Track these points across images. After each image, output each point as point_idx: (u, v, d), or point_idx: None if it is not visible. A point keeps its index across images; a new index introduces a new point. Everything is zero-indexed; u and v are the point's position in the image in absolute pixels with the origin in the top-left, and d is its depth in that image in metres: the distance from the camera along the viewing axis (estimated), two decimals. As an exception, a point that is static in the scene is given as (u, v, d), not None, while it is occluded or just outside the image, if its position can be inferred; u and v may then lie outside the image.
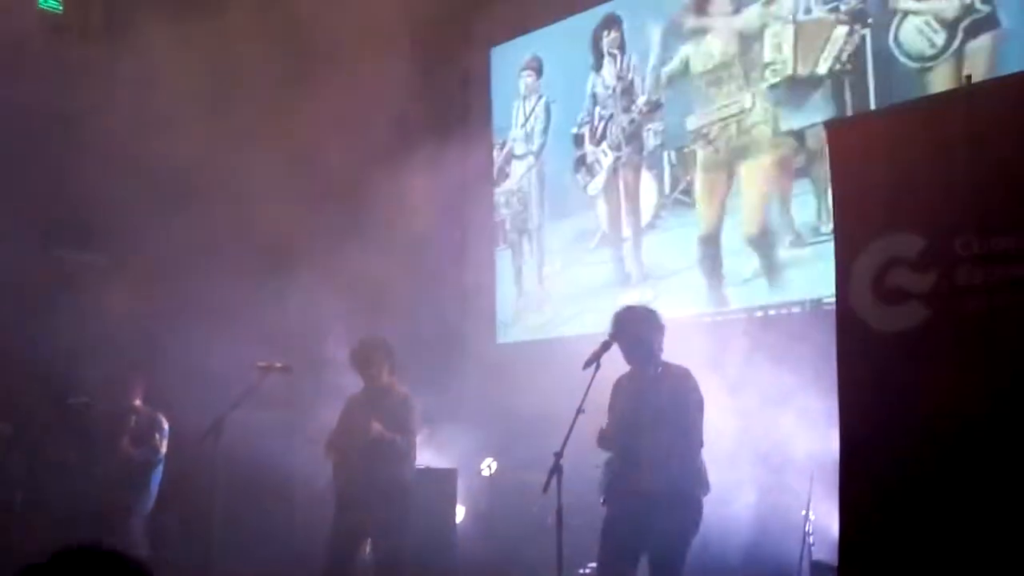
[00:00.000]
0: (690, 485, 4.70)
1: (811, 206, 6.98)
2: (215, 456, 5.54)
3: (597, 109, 8.80)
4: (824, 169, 6.24)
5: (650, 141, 8.30)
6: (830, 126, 4.15)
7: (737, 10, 7.61)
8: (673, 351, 5.04)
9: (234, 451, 5.67)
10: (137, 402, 7.10)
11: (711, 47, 7.79)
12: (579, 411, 4.51)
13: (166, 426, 7.02)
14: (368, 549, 5.93)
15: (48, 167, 7.00)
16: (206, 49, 7.29)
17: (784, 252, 7.18)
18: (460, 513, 8.01)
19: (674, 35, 8.08)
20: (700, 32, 7.88)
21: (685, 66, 8.00)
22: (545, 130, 9.35)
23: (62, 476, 7.22)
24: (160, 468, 7.02)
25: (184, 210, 7.32)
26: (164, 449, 6.97)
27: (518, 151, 9.61)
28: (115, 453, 6.85)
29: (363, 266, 7.96)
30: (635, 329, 4.85)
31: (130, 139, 6.92)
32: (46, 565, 1.11)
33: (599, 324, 5.28)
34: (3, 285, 7.09)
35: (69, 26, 7.74)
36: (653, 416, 4.69)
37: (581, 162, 8.92)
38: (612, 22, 8.73)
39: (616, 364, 4.99)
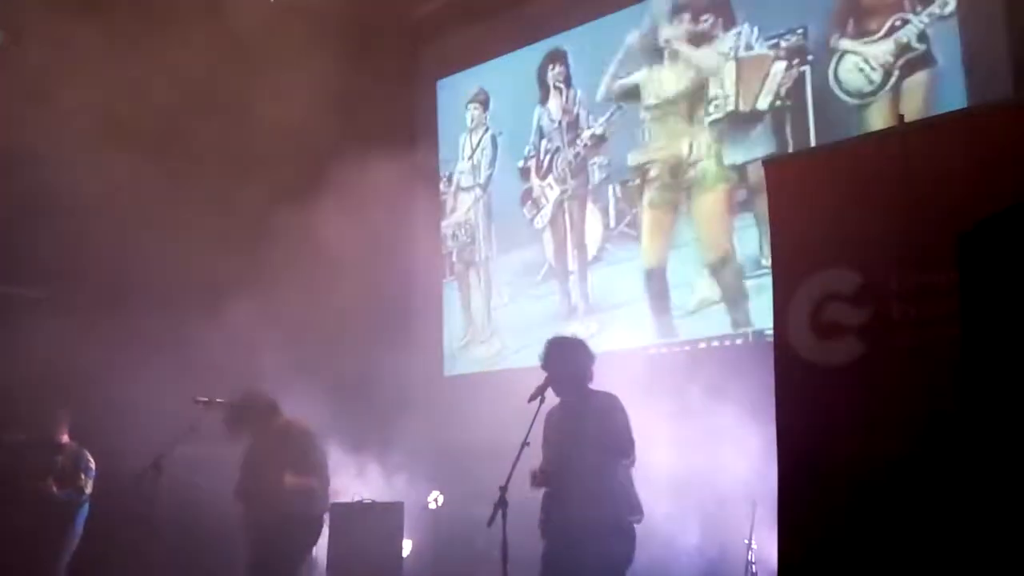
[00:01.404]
0: (621, 511, 4.67)
1: (753, 240, 7.07)
2: (155, 493, 5.38)
3: (543, 142, 8.85)
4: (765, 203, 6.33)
5: (595, 175, 8.36)
6: (768, 162, 4.21)
7: (697, 46, 7.69)
8: (618, 382, 5.04)
9: (174, 487, 5.51)
10: (64, 439, 6.91)
11: (665, 80, 7.86)
12: (524, 444, 4.49)
13: (92, 464, 6.85)
14: None
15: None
16: (137, 84, 7.21)
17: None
18: (407, 547, 7.89)
19: (631, 58, 8.14)
20: (658, 59, 7.94)
21: (636, 90, 8.07)
22: (492, 162, 9.37)
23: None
24: (86, 508, 6.84)
25: (116, 244, 7.18)
26: (89, 489, 6.81)
27: (465, 183, 9.61)
28: (39, 493, 6.66)
29: (306, 300, 7.88)
30: (562, 359, 4.85)
31: (61, 174, 6.78)
32: None
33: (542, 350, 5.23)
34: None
35: (9, 59, 7.59)
36: (580, 443, 4.68)
37: (527, 195, 8.95)
38: (558, 56, 8.81)
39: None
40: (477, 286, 9.36)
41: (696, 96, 7.62)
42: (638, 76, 8.08)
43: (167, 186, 7.49)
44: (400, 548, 7.70)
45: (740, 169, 7.25)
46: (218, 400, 5.71)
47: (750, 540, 5.77)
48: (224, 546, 6.67)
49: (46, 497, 6.66)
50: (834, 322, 3.62)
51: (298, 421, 5.80)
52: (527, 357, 8.01)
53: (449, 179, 9.77)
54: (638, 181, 7.98)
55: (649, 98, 7.98)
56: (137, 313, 7.53)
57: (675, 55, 7.80)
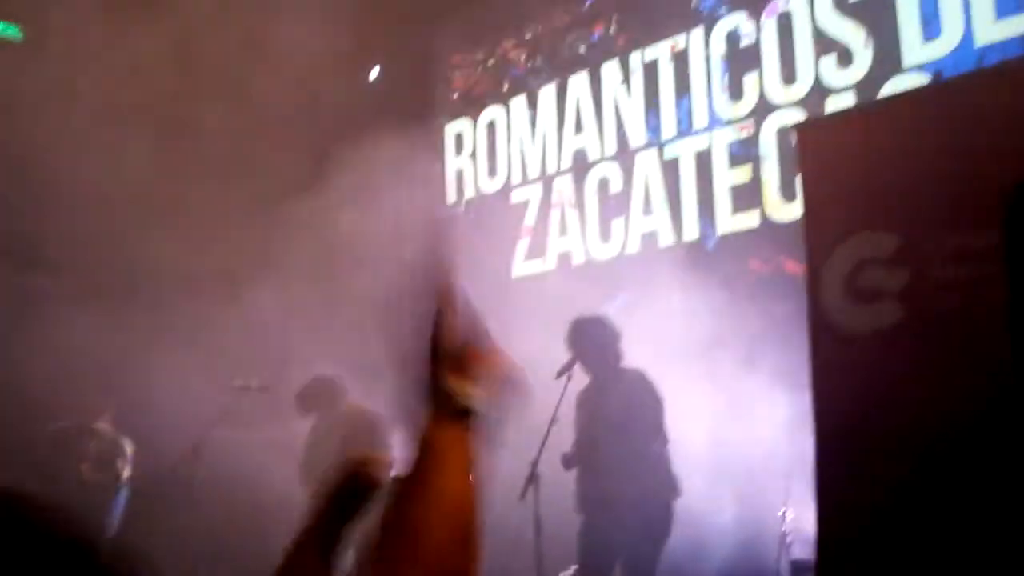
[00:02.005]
0: (657, 489, 4.60)
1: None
2: (195, 477, 5.39)
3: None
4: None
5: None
6: (801, 127, 4.08)
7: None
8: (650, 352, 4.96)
9: (214, 471, 5.51)
10: (100, 426, 6.94)
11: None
12: (553, 420, 4.43)
13: (129, 450, 6.87)
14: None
15: (10, 195, 6.85)
16: (148, 70, 7.17)
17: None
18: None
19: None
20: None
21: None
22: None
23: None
24: (124, 492, 6.86)
25: (137, 234, 7.16)
26: (127, 474, 6.82)
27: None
28: (77, 479, 6.70)
29: (328, 283, 7.84)
30: (589, 338, 4.78)
31: (81, 166, 6.76)
32: None
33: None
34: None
35: (23, 54, 7.58)
36: (612, 422, 4.61)
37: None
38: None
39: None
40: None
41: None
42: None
43: (182, 172, 7.46)
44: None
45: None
46: (254, 384, 5.72)
47: (784, 512, 5.67)
48: (264, 529, 6.68)
49: (84, 483, 6.69)
50: (871, 287, 3.50)
51: (363, 406, 5.92)
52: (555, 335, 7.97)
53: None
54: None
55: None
56: (162, 302, 7.53)
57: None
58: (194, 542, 5.54)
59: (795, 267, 6.70)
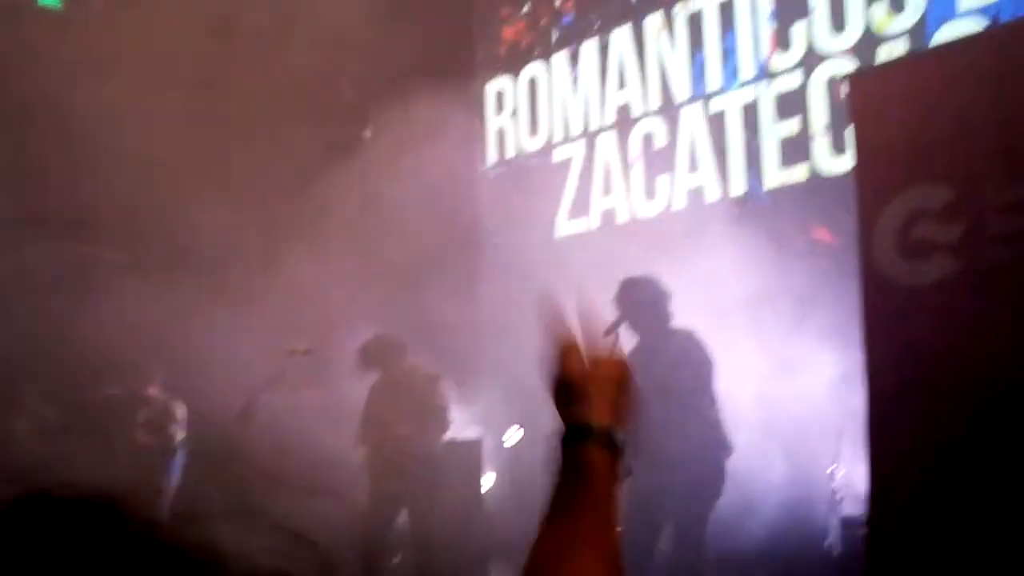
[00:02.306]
0: (708, 448, 4.61)
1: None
2: (247, 440, 5.52)
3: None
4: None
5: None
6: (853, 77, 4.00)
7: None
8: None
9: (265, 433, 5.65)
10: (153, 391, 7.11)
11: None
12: (601, 379, 4.43)
13: (182, 414, 7.04)
14: (404, 519, 6.00)
15: (62, 166, 6.99)
16: (192, 42, 7.24)
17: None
18: (488, 482, 7.99)
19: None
20: None
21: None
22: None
23: (82, 465, 7.27)
24: (179, 456, 7.05)
25: (193, 200, 7.27)
26: (180, 437, 7.00)
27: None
28: (131, 444, 6.91)
29: (379, 245, 7.90)
30: (636, 299, 4.76)
31: (130, 133, 6.87)
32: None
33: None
34: (25, 282, 7.09)
35: (70, 23, 7.68)
36: (662, 382, 4.60)
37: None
38: None
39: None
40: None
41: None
42: None
43: (221, 138, 7.54)
44: (480, 484, 7.80)
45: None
46: (301, 349, 5.83)
47: (834, 469, 5.65)
48: (314, 489, 6.84)
49: (138, 448, 6.90)
50: (924, 240, 3.45)
51: (422, 366, 6.08)
52: (599, 295, 7.97)
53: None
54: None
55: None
56: (209, 268, 7.65)
57: None
58: (246, 504, 5.68)
59: (845, 221, 6.62)
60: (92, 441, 7.41)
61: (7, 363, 7.61)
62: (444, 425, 6.01)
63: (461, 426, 8.02)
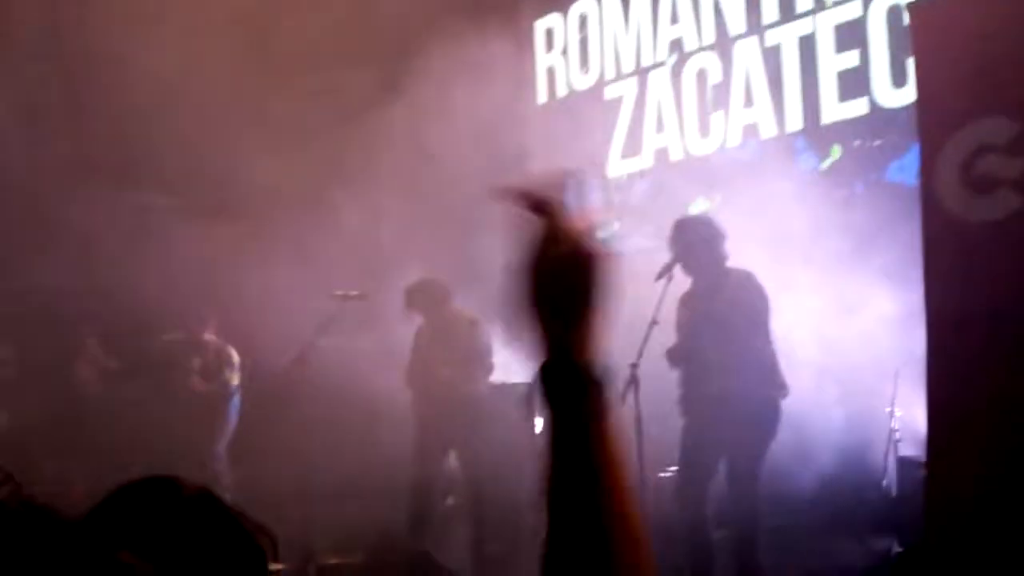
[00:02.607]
0: (764, 387, 4.60)
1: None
2: (302, 384, 5.64)
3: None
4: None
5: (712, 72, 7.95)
6: (915, 8, 3.88)
7: None
8: (751, 251, 4.91)
9: (320, 377, 5.77)
10: (208, 336, 7.28)
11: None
12: (653, 322, 4.45)
13: (236, 359, 7.22)
14: (452, 460, 6.11)
15: (119, 114, 7.12)
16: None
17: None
18: (539, 424, 8.08)
19: None
20: None
21: None
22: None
23: (143, 410, 7.54)
24: (235, 399, 7.25)
25: (231, 148, 7.36)
26: (235, 381, 7.20)
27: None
28: (186, 389, 7.10)
29: (417, 190, 7.95)
30: (692, 239, 4.71)
31: (188, 81, 6.95)
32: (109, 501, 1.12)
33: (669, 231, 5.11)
34: (81, 228, 7.29)
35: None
36: (718, 321, 4.60)
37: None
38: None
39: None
40: (595, 164, 9.17)
41: None
42: None
43: (267, 81, 7.59)
44: (534, 426, 7.90)
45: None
46: (353, 294, 5.89)
47: (892, 408, 5.63)
48: (367, 431, 7.00)
49: (193, 392, 7.09)
50: (988, 175, 3.38)
51: (465, 310, 6.10)
52: (651, 234, 7.92)
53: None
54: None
55: None
56: (258, 214, 7.78)
57: None
58: (303, 446, 5.82)
59: (906, 156, 6.47)
60: (152, 386, 7.68)
61: (69, 311, 7.88)
62: (487, 369, 6.05)
63: (514, 368, 8.13)
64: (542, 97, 9.44)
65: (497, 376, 7.90)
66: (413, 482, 5.99)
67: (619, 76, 8.73)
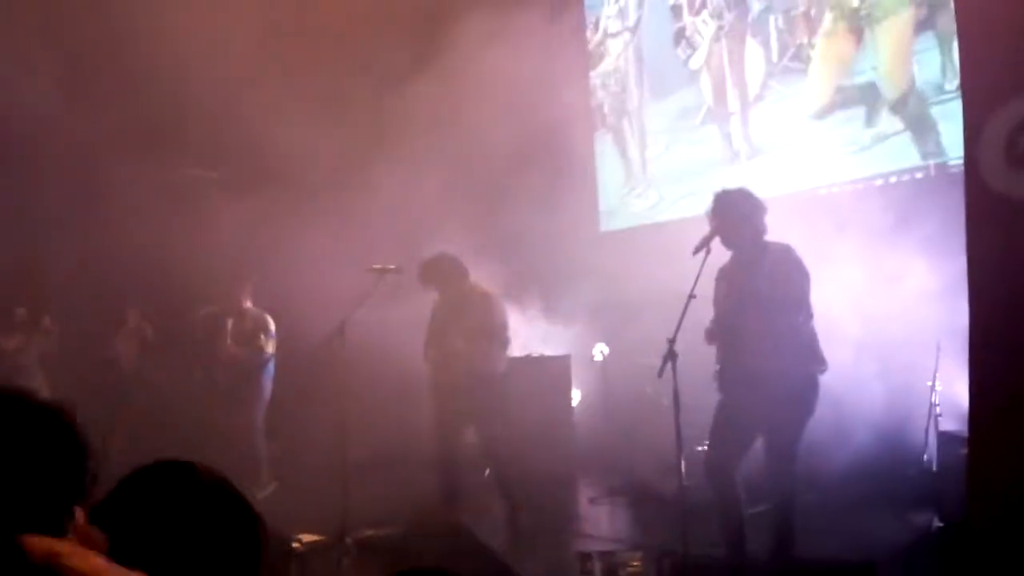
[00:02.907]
0: (802, 362, 4.60)
1: (935, 63, 6.53)
2: (340, 355, 5.71)
3: (695, -24, 8.38)
4: (950, 20, 5.83)
5: (755, 6, 7.87)
6: (958, -23, 3.83)
7: None
8: (788, 227, 4.89)
9: (358, 348, 5.85)
10: (246, 304, 7.41)
11: None
12: (691, 296, 4.45)
13: (272, 326, 7.35)
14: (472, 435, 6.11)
15: (161, 88, 7.22)
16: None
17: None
18: (576, 397, 8.15)
19: None
20: None
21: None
22: (641, 3, 8.98)
23: (182, 383, 7.72)
24: (270, 367, 7.38)
25: (270, 121, 7.42)
26: (271, 349, 7.33)
27: (612, 29, 9.29)
28: (220, 354, 7.28)
29: (453, 162, 7.97)
30: (732, 213, 4.70)
31: (223, 53, 7.01)
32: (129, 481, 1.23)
33: (708, 205, 5.11)
34: (124, 201, 7.42)
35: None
36: (756, 295, 4.59)
37: (681, 34, 8.57)
38: None
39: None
40: (631, 136, 9.16)
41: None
42: None
43: (300, 53, 7.63)
44: (570, 399, 7.97)
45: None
46: (391, 267, 5.94)
47: (934, 383, 5.61)
48: (404, 400, 7.10)
49: (229, 358, 7.27)
50: (1034, 150, 3.33)
51: (481, 286, 6.09)
52: (688, 207, 7.92)
53: (596, 25, 9.46)
54: (802, 8, 7.46)
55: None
56: (297, 186, 7.86)
57: None
58: (340, 418, 5.90)
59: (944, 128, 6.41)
60: (191, 358, 7.84)
61: (111, 283, 8.04)
62: (502, 343, 5.99)
63: (549, 342, 8.18)
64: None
65: (524, 349, 7.99)
66: (436, 457, 5.99)
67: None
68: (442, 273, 6.00)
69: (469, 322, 5.88)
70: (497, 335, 5.94)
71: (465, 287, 6.03)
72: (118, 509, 1.17)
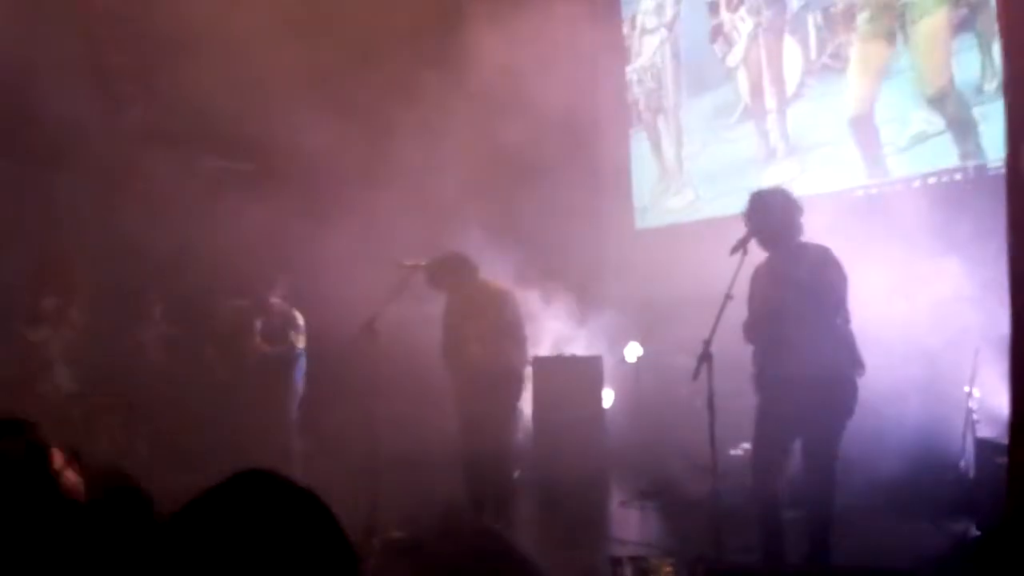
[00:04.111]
0: (841, 365, 4.63)
1: (974, 64, 6.54)
2: (372, 350, 5.78)
3: (733, -29, 8.42)
4: (990, 21, 5.85)
5: (793, 3, 7.91)
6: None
7: None
8: (825, 228, 4.93)
9: (387, 346, 5.93)
10: (275, 300, 7.53)
11: None
12: (727, 297, 4.48)
13: (301, 322, 7.47)
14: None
15: (189, 81, 7.33)
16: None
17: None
18: (608, 398, 8.20)
19: None
20: None
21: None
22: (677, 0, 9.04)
23: (209, 377, 7.85)
24: (301, 362, 7.49)
25: (300, 118, 7.53)
26: (300, 344, 7.43)
27: (649, 25, 9.35)
28: (249, 351, 7.41)
29: (488, 160, 8.03)
30: (768, 213, 4.72)
31: (263, 51, 7.13)
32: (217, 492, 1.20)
33: (744, 204, 5.15)
34: (156, 193, 7.57)
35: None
36: (794, 297, 4.61)
37: (718, 31, 8.62)
38: None
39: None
40: (667, 133, 9.22)
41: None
42: None
43: (325, 49, 7.72)
44: (601, 399, 8.02)
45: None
46: (422, 263, 6.00)
47: (971, 388, 5.62)
48: (436, 400, 7.19)
49: (258, 355, 7.39)
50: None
51: (493, 282, 6.06)
52: (724, 206, 7.98)
53: (632, 22, 9.53)
54: (841, 6, 7.49)
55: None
56: (328, 184, 7.97)
57: None
58: (370, 415, 5.97)
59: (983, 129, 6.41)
60: (218, 351, 7.97)
61: (138, 275, 8.18)
62: (518, 341, 5.94)
63: (582, 342, 8.25)
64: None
65: (555, 349, 8.05)
66: (461, 460, 5.98)
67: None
68: (451, 273, 5.97)
69: (482, 321, 5.84)
70: (511, 332, 5.88)
71: (475, 285, 5.99)
72: (207, 522, 1.16)
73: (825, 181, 7.34)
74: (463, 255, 6.06)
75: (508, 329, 5.87)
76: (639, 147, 9.53)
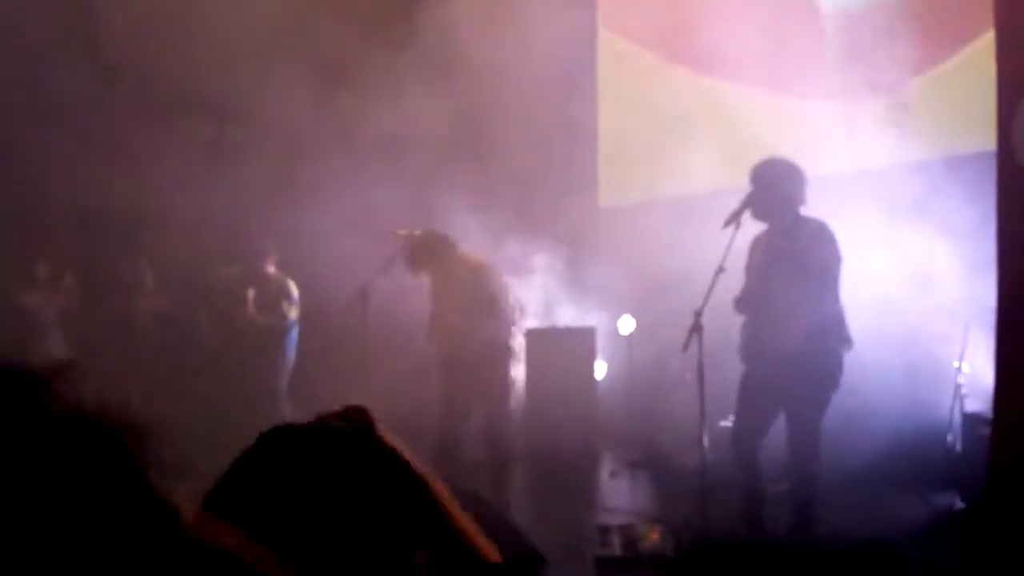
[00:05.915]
0: (829, 339, 4.68)
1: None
2: (363, 321, 5.81)
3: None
4: None
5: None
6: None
7: None
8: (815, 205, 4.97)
9: (379, 316, 5.96)
10: (269, 269, 7.56)
11: None
12: (719, 270, 4.52)
13: (294, 292, 7.49)
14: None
15: (183, 49, 7.32)
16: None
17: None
18: (601, 370, 8.26)
19: None
20: None
21: None
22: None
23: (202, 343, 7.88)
24: (294, 333, 7.56)
25: (294, 88, 7.52)
26: (293, 315, 7.48)
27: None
28: (241, 319, 7.44)
29: (482, 126, 8.01)
30: (771, 183, 4.72)
31: (260, 24, 7.11)
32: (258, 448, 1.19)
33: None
34: (145, 159, 7.56)
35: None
36: (788, 269, 4.64)
37: None
38: None
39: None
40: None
41: None
42: None
43: (332, 27, 7.71)
44: (593, 371, 8.10)
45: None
46: (416, 232, 6.00)
47: (960, 363, 5.70)
48: (428, 371, 7.25)
49: (250, 324, 7.44)
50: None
51: (472, 256, 6.02)
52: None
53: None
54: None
55: None
56: (319, 153, 7.95)
57: None
58: (361, 386, 6.02)
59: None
60: (211, 319, 8.00)
61: (132, 243, 8.19)
62: (497, 314, 5.84)
63: (575, 314, 8.30)
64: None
65: (548, 320, 8.09)
66: (439, 439, 5.83)
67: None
68: (429, 252, 5.91)
69: (461, 296, 5.79)
70: (492, 306, 5.80)
71: (454, 261, 5.91)
72: (259, 482, 1.15)
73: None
74: (439, 232, 6.00)
75: (488, 302, 5.80)
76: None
